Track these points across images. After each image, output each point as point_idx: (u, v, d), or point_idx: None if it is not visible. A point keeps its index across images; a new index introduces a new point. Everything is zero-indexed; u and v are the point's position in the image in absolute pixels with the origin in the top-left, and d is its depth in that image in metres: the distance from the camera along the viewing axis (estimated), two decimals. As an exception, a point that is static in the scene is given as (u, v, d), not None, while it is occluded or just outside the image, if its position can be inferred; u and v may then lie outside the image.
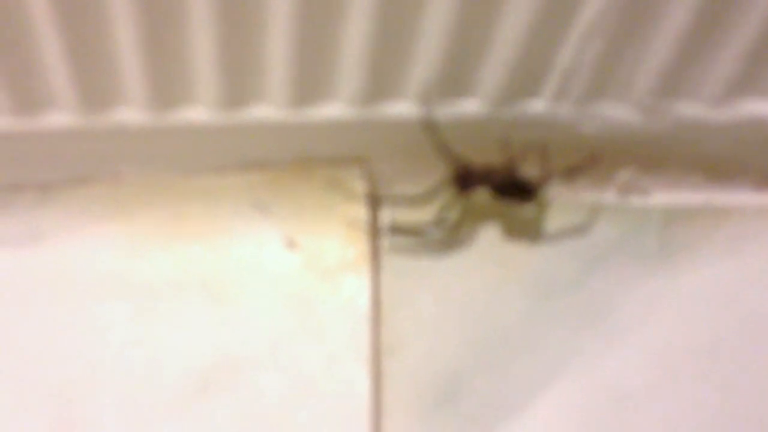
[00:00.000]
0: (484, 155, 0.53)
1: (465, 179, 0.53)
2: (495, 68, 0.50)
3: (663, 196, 0.59)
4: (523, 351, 0.55)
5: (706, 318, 0.56)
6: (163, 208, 0.58)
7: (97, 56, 0.49)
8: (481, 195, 0.54)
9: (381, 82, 0.51)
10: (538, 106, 0.53)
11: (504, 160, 0.53)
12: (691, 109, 0.53)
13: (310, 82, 0.52)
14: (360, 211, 0.57)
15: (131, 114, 0.53)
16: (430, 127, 0.51)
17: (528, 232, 0.57)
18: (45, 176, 0.58)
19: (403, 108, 0.53)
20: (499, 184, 0.53)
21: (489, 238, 0.57)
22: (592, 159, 0.54)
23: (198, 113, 0.53)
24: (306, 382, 0.54)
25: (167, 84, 0.51)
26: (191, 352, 0.55)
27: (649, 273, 0.56)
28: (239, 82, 0.51)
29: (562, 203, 0.57)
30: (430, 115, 0.51)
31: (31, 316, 0.56)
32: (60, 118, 0.53)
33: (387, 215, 0.57)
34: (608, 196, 0.59)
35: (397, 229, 0.55)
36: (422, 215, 0.55)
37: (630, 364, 0.54)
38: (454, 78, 0.51)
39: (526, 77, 0.51)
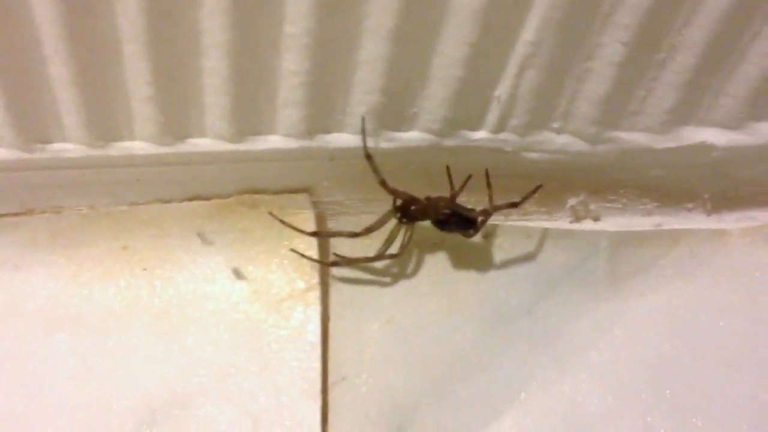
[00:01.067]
0: (431, 183, 0.53)
1: (407, 212, 0.52)
2: (435, 101, 0.50)
3: (615, 220, 0.59)
4: (474, 380, 0.54)
5: (655, 341, 0.55)
6: (108, 240, 0.58)
7: (34, 92, 0.49)
8: (428, 224, 0.54)
9: (319, 114, 0.51)
10: (481, 136, 0.53)
11: (448, 191, 0.52)
12: (634, 138, 0.53)
13: (249, 116, 0.51)
14: (307, 242, 0.56)
15: (69, 147, 0.53)
16: (370, 161, 0.51)
17: (477, 260, 0.56)
18: None
19: (344, 139, 0.53)
20: (440, 218, 0.52)
21: (437, 267, 0.56)
22: (532, 193, 0.53)
23: (139, 146, 0.53)
24: (255, 414, 0.53)
25: (104, 119, 0.51)
26: (138, 385, 0.54)
27: (598, 298, 0.56)
28: (178, 115, 0.51)
29: (511, 230, 0.57)
30: (369, 148, 0.51)
31: None
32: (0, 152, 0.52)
33: (333, 245, 0.56)
34: (561, 221, 0.58)
35: (342, 261, 0.55)
36: (368, 246, 0.55)
37: (582, 389, 0.54)
38: (394, 111, 0.51)
39: (465, 109, 0.51)
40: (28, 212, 0.58)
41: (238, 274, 0.57)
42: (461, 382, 0.54)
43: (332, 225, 0.58)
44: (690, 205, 0.58)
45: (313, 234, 0.55)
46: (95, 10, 0.45)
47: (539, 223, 0.58)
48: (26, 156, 0.53)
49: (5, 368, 0.55)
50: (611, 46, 0.47)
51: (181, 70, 0.48)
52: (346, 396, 0.54)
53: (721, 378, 0.54)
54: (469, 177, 0.51)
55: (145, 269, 0.57)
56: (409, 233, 0.53)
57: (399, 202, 0.52)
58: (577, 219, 0.59)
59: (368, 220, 0.54)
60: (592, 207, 0.58)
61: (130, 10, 0.44)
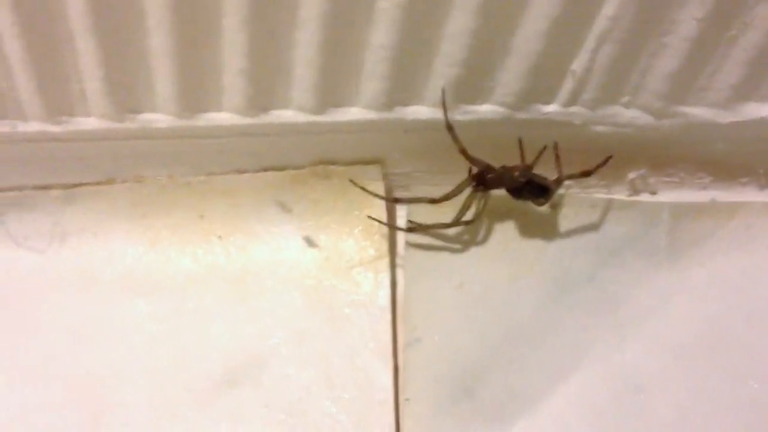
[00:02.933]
0: (501, 155, 0.54)
1: (483, 180, 0.54)
2: (512, 75, 0.52)
3: (672, 194, 0.60)
4: (539, 344, 0.56)
5: (714, 310, 0.57)
6: (185, 209, 0.60)
7: (128, 63, 0.51)
8: (499, 193, 0.56)
9: (400, 87, 0.53)
10: (552, 109, 0.54)
11: (520, 161, 0.54)
12: (698, 113, 0.54)
13: (331, 88, 0.53)
14: (379, 210, 0.58)
15: (158, 119, 0.54)
16: (451, 132, 0.53)
17: (543, 229, 0.58)
18: (70, 178, 0.59)
19: (421, 112, 0.54)
20: (515, 185, 0.54)
21: (505, 235, 0.58)
22: (603, 162, 0.55)
23: (223, 118, 0.55)
24: (329, 376, 0.56)
25: (194, 91, 0.53)
26: (216, 348, 0.56)
27: (658, 268, 0.58)
28: (263, 88, 0.53)
29: (576, 201, 0.59)
30: (450, 119, 0.52)
31: (57, 313, 0.57)
32: (90, 121, 0.54)
33: (405, 214, 0.58)
34: (619, 194, 0.60)
35: (415, 227, 0.57)
36: (441, 213, 0.56)
37: (642, 356, 0.56)
38: (472, 84, 0.53)
39: (541, 83, 0.53)
40: (109, 181, 0.60)
41: (309, 242, 0.59)
42: (527, 346, 0.56)
43: (399, 195, 0.60)
44: (744, 180, 0.60)
45: (394, 200, 0.57)
46: None
47: (601, 195, 0.60)
48: (116, 125, 0.54)
49: (86, 332, 0.57)
50: (687, 23, 0.49)
51: (275, 43, 0.50)
52: (419, 357, 0.56)
53: (779, 345, 0.56)
54: (545, 148, 0.53)
55: (220, 237, 0.59)
56: (483, 201, 0.55)
57: (475, 170, 0.54)
58: (635, 192, 0.60)
59: (435, 191, 0.56)
60: (650, 181, 0.60)
61: None
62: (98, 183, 0.59)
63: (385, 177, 0.59)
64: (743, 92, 0.53)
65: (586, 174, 0.54)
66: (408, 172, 0.59)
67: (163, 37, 0.49)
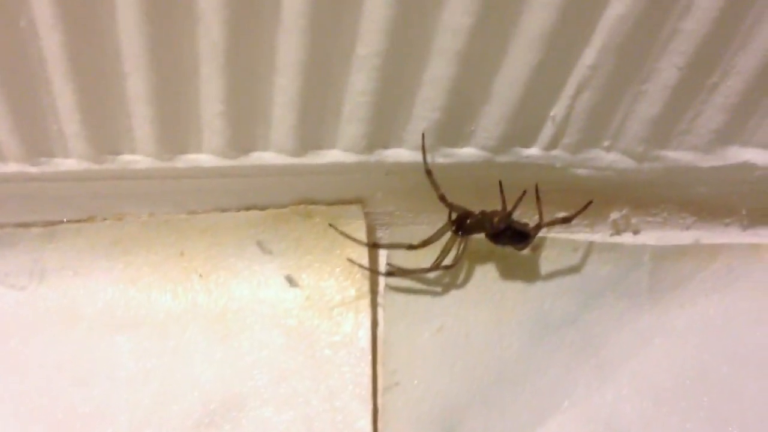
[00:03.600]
0: (482, 198, 0.54)
1: (462, 225, 0.54)
2: (492, 119, 0.52)
3: (655, 234, 0.60)
4: (520, 387, 0.56)
5: (695, 353, 0.57)
6: (166, 247, 0.59)
7: (106, 105, 0.51)
8: (480, 236, 0.55)
9: (381, 131, 0.53)
10: (533, 153, 0.54)
11: (499, 204, 0.54)
12: (679, 157, 0.54)
13: (311, 131, 0.53)
14: (359, 251, 0.58)
15: (138, 160, 0.54)
16: (430, 177, 0.53)
17: (524, 271, 0.58)
18: (51, 215, 0.59)
19: (402, 154, 0.54)
20: (494, 231, 0.54)
21: (486, 277, 0.58)
22: (583, 209, 0.55)
23: (202, 160, 0.55)
24: (309, 417, 0.55)
25: (173, 133, 0.53)
26: (196, 387, 0.56)
27: (640, 309, 0.58)
28: (243, 130, 0.53)
29: (557, 243, 0.59)
30: (429, 164, 0.53)
31: (37, 350, 0.57)
32: (68, 162, 0.54)
33: (386, 256, 0.58)
34: (602, 233, 0.60)
35: (398, 271, 0.57)
36: (422, 257, 0.56)
37: (622, 396, 0.56)
38: (452, 128, 0.53)
39: (521, 127, 0.53)
40: (90, 219, 0.60)
41: (291, 281, 0.58)
42: (508, 388, 0.56)
43: (381, 234, 0.60)
44: (728, 220, 0.60)
45: (372, 246, 0.57)
46: (178, 29, 0.47)
47: (581, 235, 0.59)
48: (96, 167, 0.55)
49: (66, 369, 0.56)
50: (667, 71, 0.49)
51: (253, 87, 0.50)
52: (399, 400, 0.55)
53: (758, 386, 0.56)
54: (524, 193, 0.53)
55: (201, 275, 0.59)
56: (463, 246, 0.55)
57: (455, 215, 0.54)
58: (618, 232, 0.60)
59: (416, 230, 0.56)
60: (633, 221, 0.60)
61: (212, 31, 0.46)
62: (79, 221, 0.59)
63: (367, 216, 0.59)
64: (725, 136, 0.53)
65: (566, 220, 0.55)
66: (390, 211, 0.59)
67: (141, 80, 0.49)
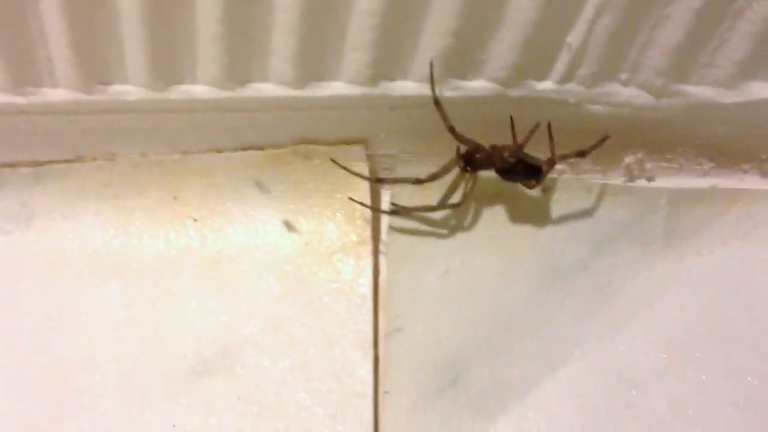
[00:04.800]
0: (491, 135, 0.52)
1: (472, 160, 0.52)
2: (504, 47, 0.50)
3: (670, 180, 0.58)
4: (528, 335, 0.54)
5: (712, 302, 0.55)
6: (159, 189, 0.58)
7: (96, 29, 0.49)
8: (488, 175, 0.53)
9: (386, 60, 0.51)
10: (546, 86, 0.52)
11: (511, 140, 0.52)
12: (700, 92, 0.52)
13: (313, 60, 0.51)
14: (361, 193, 0.56)
15: (129, 90, 0.52)
16: (439, 108, 0.50)
17: (534, 214, 0.56)
18: (38, 155, 0.57)
19: (407, 87, 0.52)
20: (505, 165, 0.52)
21: (494, 220, 0.56)
22: (600, 143, 0.53)
23: (198, 91, 0.52)
24: (305, 366, 0.54)
25: (167, 60, 0.51)
26: (189, 335, 0.55)
27: (654, 257, 0.56)
28: (241, 59, 0.51)
29: (569, 185, 0.57)
30: (438, 94, 0.50)
31: (23, 297, 0.56)
32: (57, 93, 0.52)
33: (389, 196, 0.56)
34: (615, 179, 0.58)
35: (399, 209, 0.54)
36: (426, 196, 0.54)
37: (635, 346, 0.54)
38: (462, 57, 0.50)
39: (535, 56, 0.50)
40: (79, 159, 0.58)
41: (289, 226, 0.57)
42: (516, 337, 0.54)
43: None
44: (746, 166, 0.58)
45: (377, 181, 0.55)
46: None
47: (595, 179, 0.57)
48: (85, 97, 0.53)
49: (53, 316, 0.55)
50: None
51: (252, 7, 0.48)
52: (401, 347, 0.54)
53: (776, 337, 0.54)
54: (537, 125, 0.51)
55: (195, 219, 0.57)
56: (471, 182, 0.53)
57: (463, 149, 0.52)
58: (632, 179, 0.58)
59: (420, 173, 0.54)
60: (647, 166, 0.58)
61: None
62: (67, 161, 0.58)
63: (369, 158, 0.57)
64: (748, 70, 0.51)
65: (581, 155, 0.52)
66: (393, 153, 0.57)
67: (133, 1, 0.47)
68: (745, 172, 0.58)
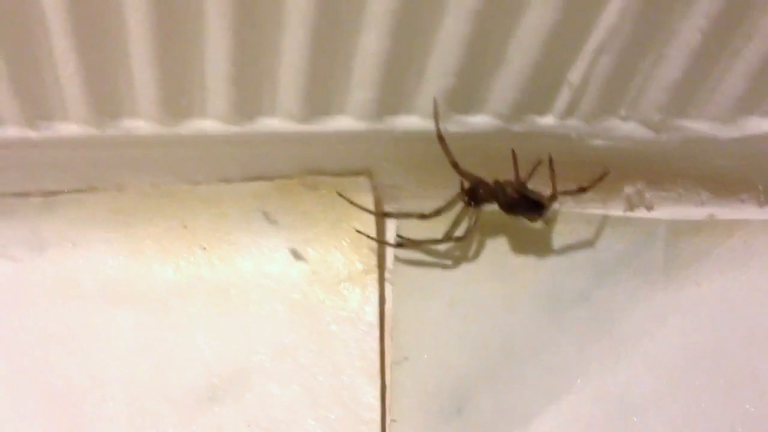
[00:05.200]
0: (494, 169, 0.54)
1: (475, 195, 0.53)
2: (506, 84, 0.51)
3: (669, 210, 0.59)
4: (531, 363, 0.55)
5: (709, 330, 0.56)
6: (168, 218, 0.59)
7: (108, 65, 0.50)
8: (492, 208, 0.55)
9: (391, 96, 0.52)
10: (548, 121, 0.53)
11: (514, 175, 0.53)
12: (698, 127, 0.54)
13: (320, 96, 0.52)
14: (367, 223, 0.57)
15: (140, 125, 0.53)
16: (442, 143, 0.52)
17: (537, 245, 0.57)
18: (50, 185, 0.58)
19: (412, 122, 0.53)
20: (508, 201, 0.53)
21: (497, 251, 0.57)
22: (600, 178, 0.54)
23: (207, 126, 0.54)
24: (313, 394, 0.54)
25: (177, 96, 0.52)
26: (198, 362, 0.55)
27: (654, 286, 0.57)
28: (250, 94, 0.52)
29: (571, 217, 0.58)
30: (441, 130, 0.52)
31: (36, 323, 0.56)
32: (69, 127, 0.53)
33: (395, 226, 0.57)
34: (615, 209, 0.59)
35: (404, 242, 0.56)
36: (431, 228, 0.55)
37: (635, 375, 0.55)
38: (465, 94, 0.52)
39: (537, 93, 0.52)
40: (91, 189, 0.59)
41: (296, 255, 0.58)
42: (519, 365, 0.55)
43: (389, 208, 0.59)
44: (744, 196, 0.59)
45: (383, 215, 0.56)
46: None
47: (596, 210, 0.59)
48: (97, 132, 0.53)
49: (65, 343, 0.56)
50: (689, 33, 0.48)
51: (261, 47, 0.49)
52: (408, 375, 0.55)
53: (774, 365, 0.55)
54: (539, 162, 0.52)
55: (204, 248, 0.58)
56: (475, 217, 0.54)
57: (467, 185, 0.53)
58: (632, 208, 0.59)
59: (426, 204, 0.55)
60: (647, 196, 0.59)
61: None
62: (79, 191, 0.59)
63: (375, 189, 0.58)
64: (745, 106, 0.52)
65: (582, 190, 0.54)
66: (398, 184, 0.58)
67: (144, 37, 0.48)
68: (743, 202, 0.60)
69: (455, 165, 0.52)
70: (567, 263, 0.57)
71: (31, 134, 0.53)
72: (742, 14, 0.48)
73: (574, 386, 0.55)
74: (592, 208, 0.59)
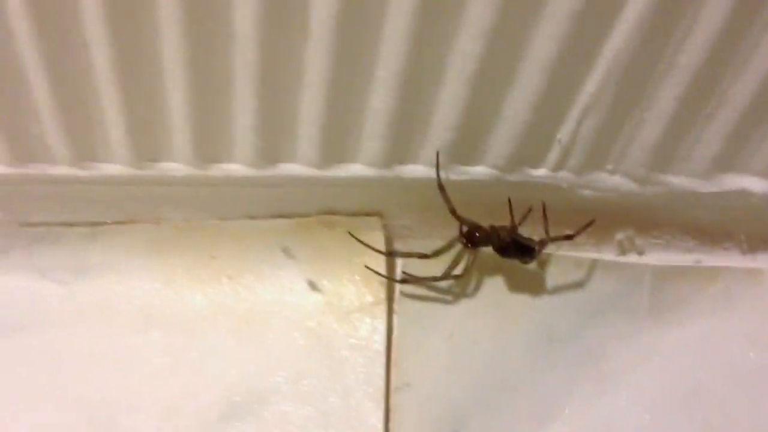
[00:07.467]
0: (492, 214, 0.57)
1: (472, 238, 0.57)
2: (502, 140, 0.55)
3: (658, 255, 0.63)
4: (523, 393, 0.58)
5: (691, 369, 0.59)
6: (198, 249, 0.62)
7: (149, 116, 0.54)
8: (489, 250, 0.58)
9: (399, 147, 0.56)
10: (541, 173, 0.57)
11: (508, 221, 0.56)
12: (680, 182, 0.57)
13: (334, 146, 0.56)
14: (377, 259, 0.60)
15: (176, 167, 0.57)
16: (442, 192, 0.55)
17: (530, 285, 0.60)
18: (94, 216, 0.62)
19: (418, 170, 0.57)
20: (501, 245, 0.57)
21: (494, 289, 0.61)
22: (585, 227, 0.57)
23: (234, 169, 0.57)
24: (325, 413, 0.58)
25: (208, 143, 0.56)
26: (222, 382, 0.59)
27: (640, 326, 0.60)
28: (273, 143, 0.56)
29: (562, 260, 0.61)
30: (442, 180, 0.55)
31: (76, 341, 0.60)
32: (113, 168, 0.57)
33: (401, 265, 0.61)
34: (608, 253, 0.63)
35: (411, 279, 0.59)
36: (434, 266, 0.59)
37: (620, 407, 0.58)
38: (465, 147, 0.55)
39: (530, 149, 0.55)
40: (131, 221, 0.62)
41: (313, 286, 0.61)
42: (511, 395, 0.58)
43: (398, 246, 0.62)
44: (727, 245, 0.62)
45: (388, 254, 0.60)
46: (216, 48, 0.49)
47: (588, 254, 0.62)
48: (137, 172, 0.57)
49: (102, 360, 0.59)
50: (665, 100, 0.51)
51: (282, 104, 0.52)
52: (408, 401, 0.58)
53: (751, 404, 0.58)
54: (530, 210, 0.56)
55: (230, 278, 0.62)
56: (472, 257, 0.58)
57: (465, 229, 0.57)
58: (623, 252, 0.63)
59: (431, 242, 0.59)
60: (637, 242, 0.62)
61: (247, 51, 0.49)
62: (120, 222, 0.62)
63: (386, 228, 0.62)
64: (722, 164, 0.55)
65: (569, 238, 0.57)
66: (406, 224, 0.62)
67: (180, 95, 0.52)
68: (727, 249, 0.63)
69: (453, 212, 0.56)
70: (559, 302, 0.60)
71: (79, 173, 0.57)
72: (712, 85, 0.51)
73: (562, 415, 0.58)
74: (587, 251, 0.62)
